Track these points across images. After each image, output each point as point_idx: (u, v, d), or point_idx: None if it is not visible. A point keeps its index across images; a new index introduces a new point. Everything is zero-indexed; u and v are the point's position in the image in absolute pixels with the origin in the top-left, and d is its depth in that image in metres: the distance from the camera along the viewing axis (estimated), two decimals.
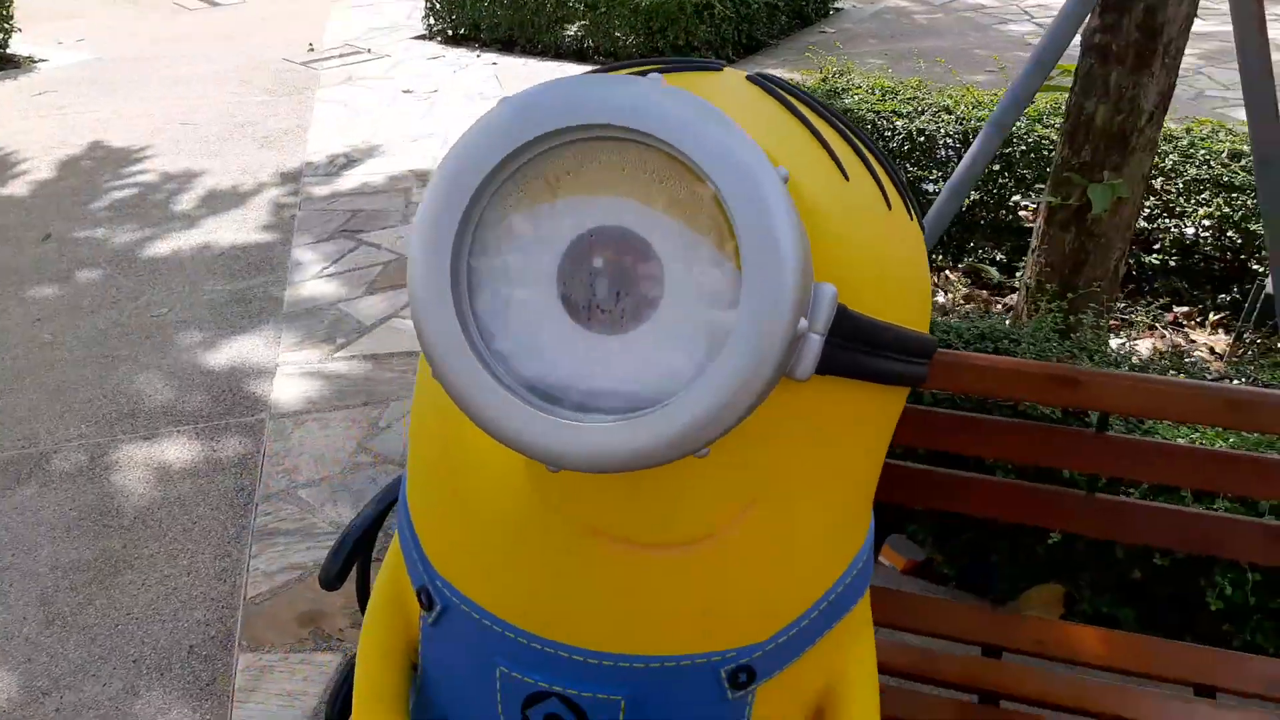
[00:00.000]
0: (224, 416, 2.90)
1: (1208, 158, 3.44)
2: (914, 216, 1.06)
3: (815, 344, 0.83)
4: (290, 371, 3.11)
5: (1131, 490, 1.96)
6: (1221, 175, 3.35)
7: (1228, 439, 2.00)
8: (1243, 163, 3.39)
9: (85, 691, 2.01)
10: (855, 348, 0.90)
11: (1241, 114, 5.24)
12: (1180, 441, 1.73)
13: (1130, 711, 1.48)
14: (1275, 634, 1.96)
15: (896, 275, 0.99)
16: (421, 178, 4.71)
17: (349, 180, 4.71)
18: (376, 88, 6.27)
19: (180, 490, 2.59)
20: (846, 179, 0.95)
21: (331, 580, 1.39)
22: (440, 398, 1.03)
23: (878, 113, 3.84)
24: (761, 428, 0.90)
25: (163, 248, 4.04)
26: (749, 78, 1.01)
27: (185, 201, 4.50)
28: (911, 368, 1.00)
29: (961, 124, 3.68)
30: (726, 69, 1.03)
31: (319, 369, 3.12)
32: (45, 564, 2.35)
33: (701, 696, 1.02)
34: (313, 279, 3.73)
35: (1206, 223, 3.36)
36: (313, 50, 7.24)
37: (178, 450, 2.75)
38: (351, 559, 1.43)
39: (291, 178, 4.77)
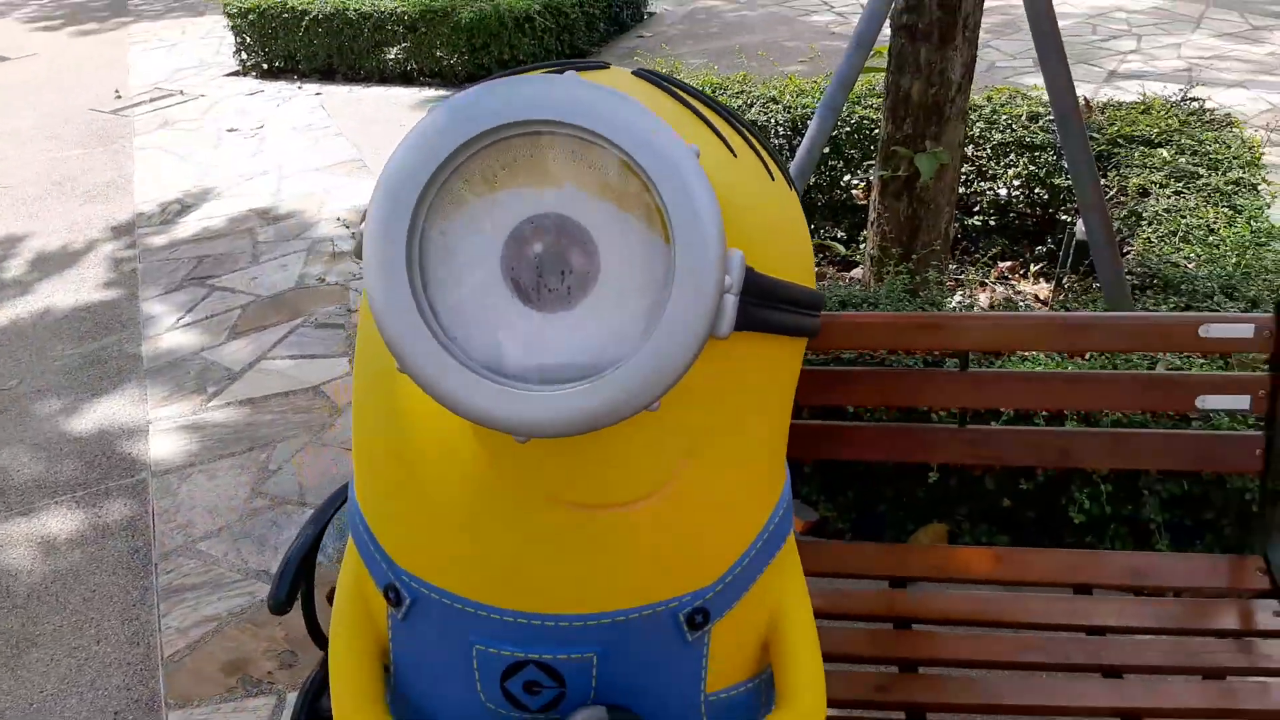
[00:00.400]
0: (102, 481, 2.81)
1: (1009, 122, 3.78)
2: (792, 186, 1.20)
3: (731, 304, 0.95)
4: (164, 427, 3.04)
5: (993, 423, 2.18)
6: (1024, 137, 3.69)
7: (1065, 368, 2.24)
8: (1040, 123, 3.74)
9: None
10: (762, 304, 1.03)
11: (1030, 79, 5.72)
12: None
13: (1022, 616, 1.67)
14: (1130, 537, 2.22)
15: (785, 237, 1.12)
16: (264, 216, 4.62)
17: (187, 227, 4.58)
18: (197, 129, 6.08)
19: (71, 561, 2.51)
20: (734, 155, 1.08)
21: (281, 605, 1.42)
22: (389, 402, 1.10)
23: None
24: (689, 386, 1.02)
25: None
26: (634, 73, 1.13)
27: (13, 268, 4.28)
28: (808, 319, 1.14)
29: (789, 112, 3.91)
30: (613, 66, 1.15)
31: (194, 420, 3.06)
32: None
33: (664, 641, 1.13)
34: (169, 330, 3.63)
35: (1016, 182, 3.69)
36: (120, 98, 6.94)
37: (60, 522, 2.66)
38: (297, 582, 1.46)
39: (125, 230, 4.60)
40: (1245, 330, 1.67)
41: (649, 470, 1.06)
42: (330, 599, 1.51)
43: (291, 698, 2.06)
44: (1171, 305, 2.49)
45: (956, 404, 1.73)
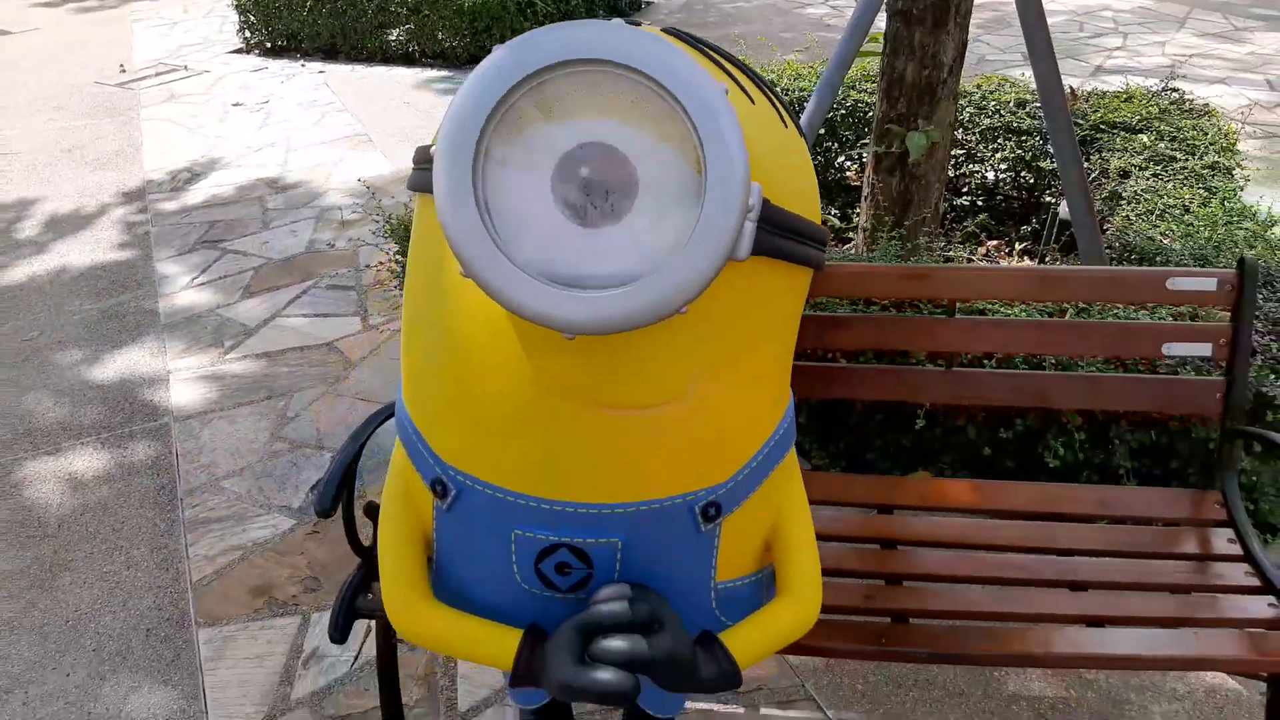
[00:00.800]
0: (125, 425, 2.93)
1: (998, 108, 3.94)
2: (801, 133, 1.34)
3: (750, 230, 1.10)
4: (184, 376, 3.16)
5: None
6: (1011, 122, 3.84)
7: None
8: (1027, 109, 3.90)
9: (49, 684, 2.08)
10: (777, 233, 1.18)
11: (1019, 72, 5.87)
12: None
13: (998, 539, 1.82)
14: (1101, 483, 2.38)
15: (796, 178, 1.27)
16: (273, 185, 4.74)
17: (197, 194, 4.69)
18: (203, 103, 6.19)
19: (99, 495, 2.63)
20: (753, 102, 1.23)
21: (327, 510, 1.56)
22: (440, 313, 1.24)
23: None
24: (711, 303, 1.17)
25: (16, 275, 3.95)
26: (663, 30, 1.27)
27: (28, 229, 4.39)
28: (815, 251, 1.29)
29: (787, 94, 4.05)
30: (644, 24, 1.29)
31: (213, 371, 3.18)
32: None
33: (680, 531, 1.27)
34: (185, 289, 3.75)
35: (1003, 166, 3.85)
36: (125, 71, 7.03)
37: (86, 461, 2.78)
38: (340, 490, 1.60)
39: (135, 196, 4.71)
40: (1209, 284, 1.83)
41: (674, 378, 1.20)
42: (367, 512, 1.65)
43: (316, 617, 2.19)
44: None
45: (944, 348, 1.87)
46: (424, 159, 1.24)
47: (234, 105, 6.12)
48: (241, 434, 2.85)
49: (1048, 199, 3.79)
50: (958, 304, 2.09)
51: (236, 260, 3.97)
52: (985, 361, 2.32)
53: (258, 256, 4.00)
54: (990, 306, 2.42)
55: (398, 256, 2.82)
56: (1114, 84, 5.68)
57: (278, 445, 2.79)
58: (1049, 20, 2.60)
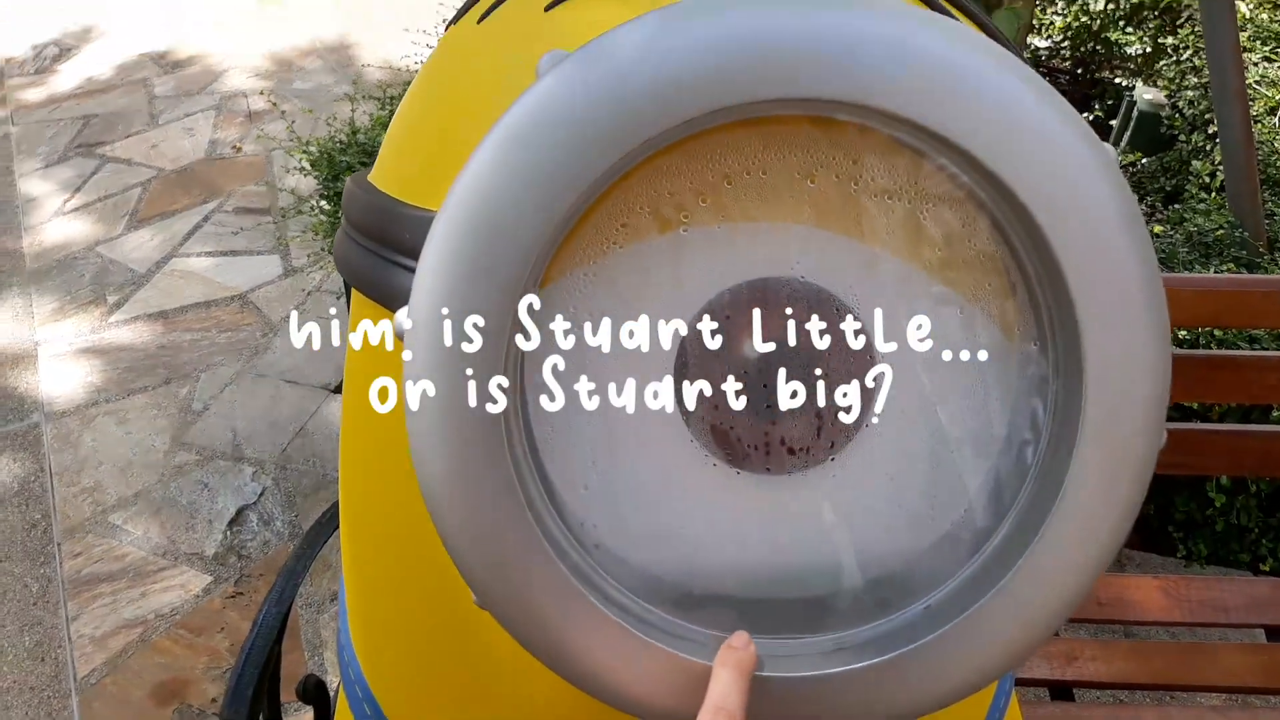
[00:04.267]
0: None
1: None
2: None
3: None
4: (58, 351, 2.47)
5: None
6: None
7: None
8: None
9: None
10: None
11: None
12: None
13: (1207, 676, 1.30)
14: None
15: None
16: (161, 62, 3.87)
17: (67, 77, 3.82)
18: None
19: None
20: None
21: None
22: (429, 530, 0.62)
23: None
24: None
25: None
26: None
27: None
28: None
29: None
30: None
31: (95, 342, 2.49)
32: None
33: None
34: (56, 218, 2.99)
35: (1059, 36, 3.18)
36: None
37: None
38: (260, 695, 1.01)
39: None
40: None
41: None
42: (304, 694, 1.06)
43: None
44: None
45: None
46: (370, 222, 0.59)
47: None
48: (134, 438, 2.20)
49: (1119, 80, 3.14)
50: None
51: (118, 173, 3.19)
52: (1188, 407, 1.71)
53: (145, 166, 3.21)
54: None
55: (322, 204, 2.12)
56: None
57: (182, 456, 2.15)
58: None
